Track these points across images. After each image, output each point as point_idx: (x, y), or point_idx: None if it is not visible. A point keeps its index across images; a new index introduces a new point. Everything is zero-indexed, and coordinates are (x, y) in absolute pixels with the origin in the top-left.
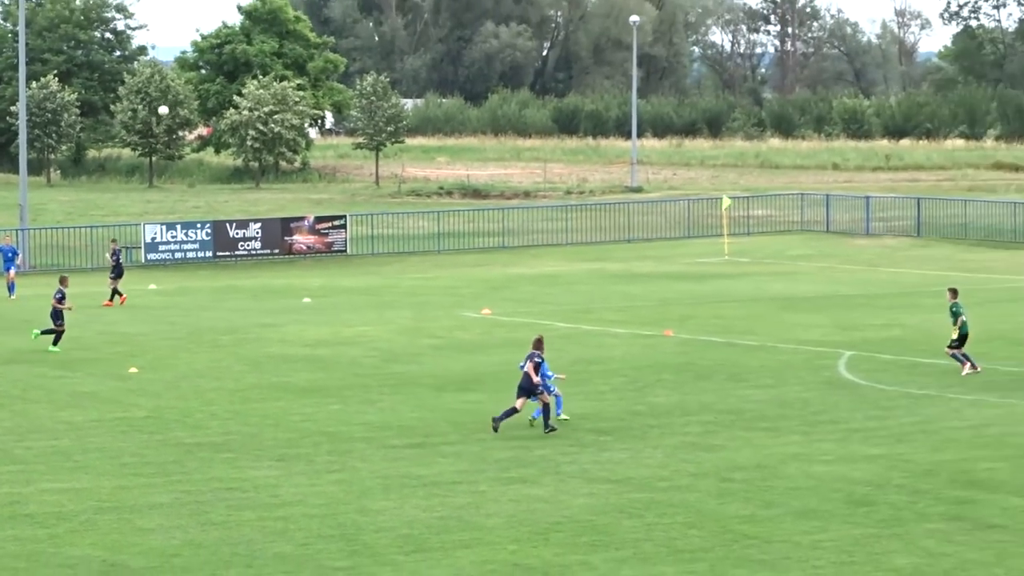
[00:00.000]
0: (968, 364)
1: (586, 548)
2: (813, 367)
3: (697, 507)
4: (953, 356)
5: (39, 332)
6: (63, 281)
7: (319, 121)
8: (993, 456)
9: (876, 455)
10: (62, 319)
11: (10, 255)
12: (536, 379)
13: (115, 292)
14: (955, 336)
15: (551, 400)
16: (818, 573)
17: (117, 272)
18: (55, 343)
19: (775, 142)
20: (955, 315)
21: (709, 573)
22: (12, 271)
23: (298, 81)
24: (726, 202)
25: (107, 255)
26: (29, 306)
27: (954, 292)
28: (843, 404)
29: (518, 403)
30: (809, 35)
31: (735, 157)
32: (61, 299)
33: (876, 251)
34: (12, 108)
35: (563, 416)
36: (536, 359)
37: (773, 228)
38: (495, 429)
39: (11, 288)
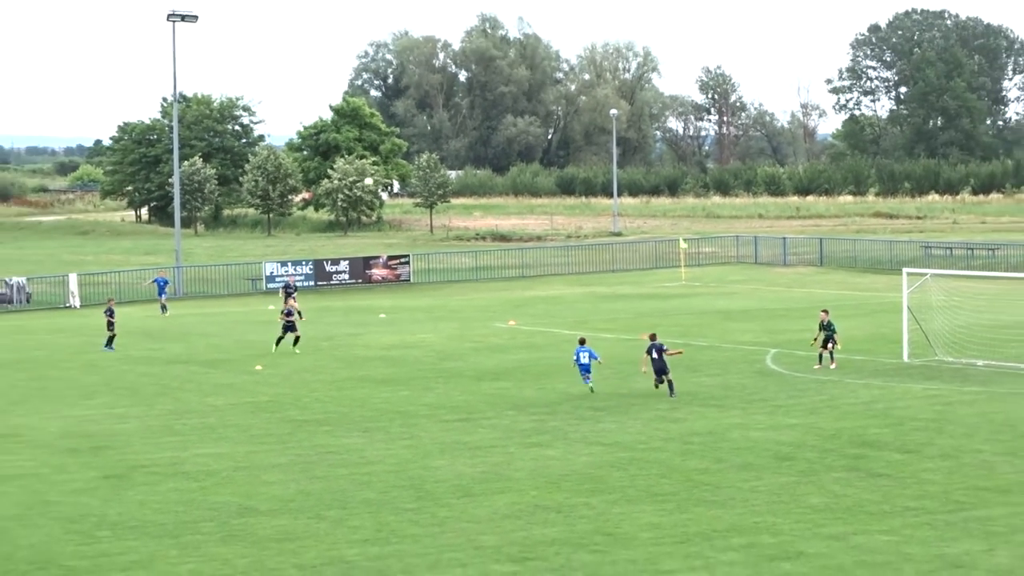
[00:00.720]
0: (830, 362)
1: (587, 493)
2: (748, 361)
3: (667, 463)
4: (830, 353)
5: (276, 345)
6: (287, 301)
7: (389, 187)
8: (880, 424)
9: (795, 424)
10: (293, 328)
11: (163, 284)
12: (671, 353)
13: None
14: (837, 343)
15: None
16: (755, 509)
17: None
18: (295, 344)
19: (717, 199)
20: (833, 329)
21: (676, 510)
22: (163, 296)
23: (373, 159)
24: (683, 243)
25: (280, 290)
26: (181, 322)
27: (826, 312)
28: (771, 387)
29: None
30: (739, 122)
31: (688, 210)
32: (288, 314)
33: (791, 276)
34: (169, 181)
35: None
36: (658, 348)
37: (716, 261)
38: (672, 395)
39: (164, 308)
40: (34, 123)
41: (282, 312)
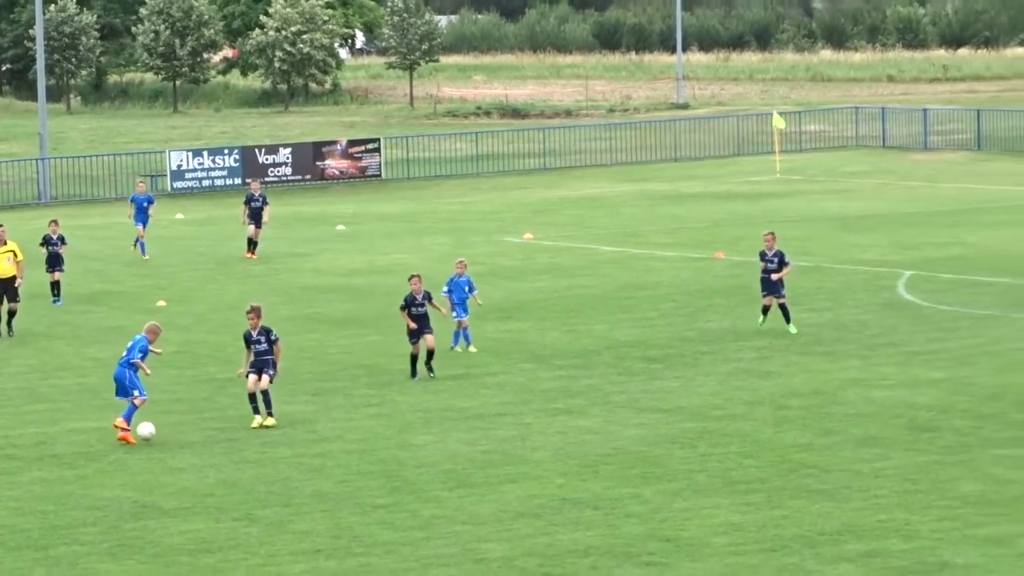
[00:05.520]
0: None
1: (637, 480)
2: (871, 288)
3: (752, 436)
4: None
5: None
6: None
7: (349, 41)
8: None
9: (939, 379)
10: None
11: (145, 204)
12: None
13: (254, 243)
14: None
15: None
16: (880, 502)
17: (256, 220)
18: None
19: (827, 54)
20: None
21: (766, 504)
22: (143, 224)
23: None
24: (777, 119)
25: (244, 207)
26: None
27: None
28: (903, 326)
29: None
30: None
31: (785, 71)
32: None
33: (935, 166)
34: (29, 32)
35: (472, 348)
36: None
37: (826, 144)
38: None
39: (142, 246)
40: None
41: None
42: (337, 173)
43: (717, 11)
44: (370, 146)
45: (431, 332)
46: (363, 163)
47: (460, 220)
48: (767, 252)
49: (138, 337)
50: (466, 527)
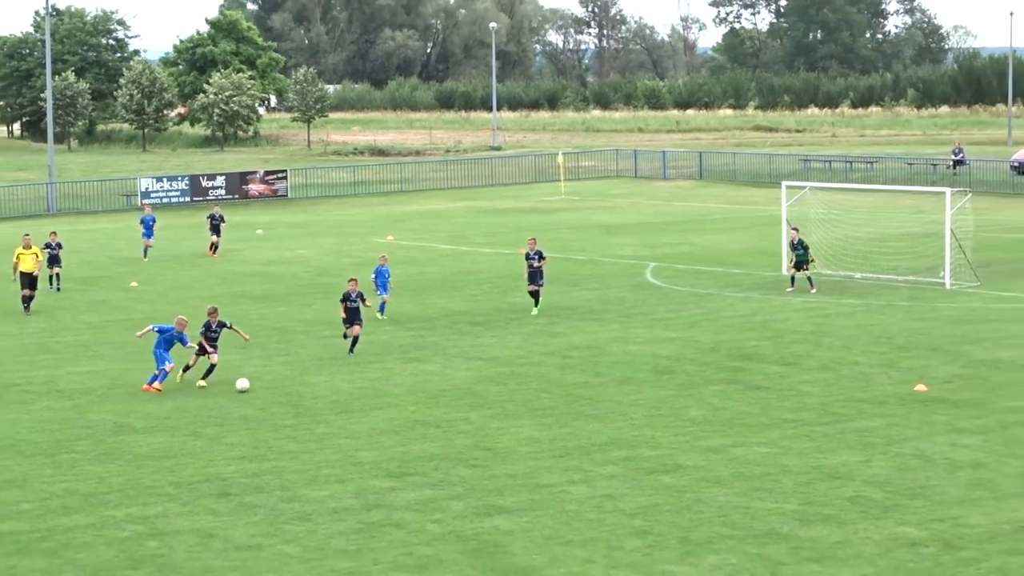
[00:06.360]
0: (809, 286)
1: (466, 408)
2: (627, 274)
3: (546, 377)
4: (808, 279)
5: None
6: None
7: (266, 102)
8: (758, 336)
9: (674, 337)
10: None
11: (150, 223)
12: None
13: (215, 246)
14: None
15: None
16: (634, 423)
17: (216, 231)
18: None
19: (596, 113)
20: (807, 248)
21: (556, 424)
22: (150, 237)
23: (250, 73)
24: (560, 158)
25: (207, 221)
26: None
27: (797, 230)
28: (650, 301)
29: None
30: (619, 35)
31: (568, 124)
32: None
33: (671, 190)
34: (42, 95)
35: (383, 317)
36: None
37: (596, 175)
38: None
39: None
40: None
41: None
42: (257, 194)
43: (520, 83)
44: (280, 175)
45: (360, 324)
46: (275, 187)
47: (343, 227)
48: (531, 252)
49: (167, 327)
50: (347, 440)
